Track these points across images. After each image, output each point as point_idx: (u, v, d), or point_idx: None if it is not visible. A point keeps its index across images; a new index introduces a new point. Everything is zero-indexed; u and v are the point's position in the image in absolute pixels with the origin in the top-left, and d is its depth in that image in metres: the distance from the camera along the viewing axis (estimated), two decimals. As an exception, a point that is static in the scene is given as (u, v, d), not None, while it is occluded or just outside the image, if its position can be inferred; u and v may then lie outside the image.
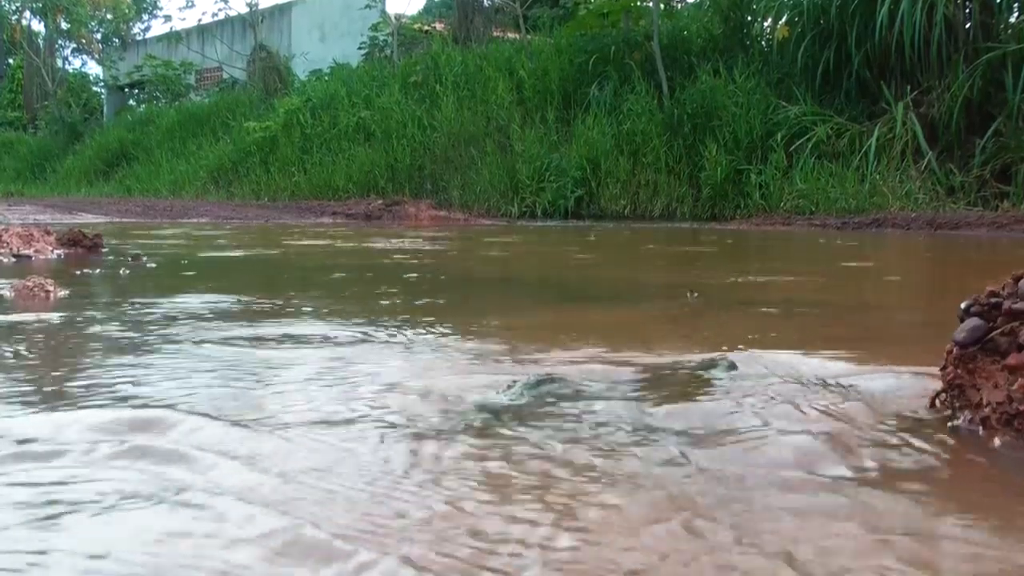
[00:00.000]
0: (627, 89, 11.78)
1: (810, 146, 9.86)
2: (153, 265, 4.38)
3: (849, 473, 1.14)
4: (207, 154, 17.78)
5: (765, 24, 12.32)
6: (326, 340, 2.16)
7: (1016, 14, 10.03)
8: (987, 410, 1.30)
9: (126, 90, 28.47)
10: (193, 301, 2.92)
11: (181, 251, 5.54)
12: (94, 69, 32.57)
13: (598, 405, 1.47)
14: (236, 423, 1.36)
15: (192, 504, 1.01)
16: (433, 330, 2.35)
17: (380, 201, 11.93)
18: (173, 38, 25.33)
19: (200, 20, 24.07)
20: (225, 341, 2.13)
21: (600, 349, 1.99)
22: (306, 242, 6.75)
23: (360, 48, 19.47)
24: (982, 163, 8.96)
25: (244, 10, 22.16)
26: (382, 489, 1.08)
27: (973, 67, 9.16)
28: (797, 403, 1.45)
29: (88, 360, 1.89)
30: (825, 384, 1.59)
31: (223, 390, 1.60)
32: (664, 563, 0.87)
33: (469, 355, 1.97)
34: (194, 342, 2.11)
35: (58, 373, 1.75)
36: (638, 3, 12.56)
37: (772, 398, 1.48)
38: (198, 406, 1.46)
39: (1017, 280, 1.33)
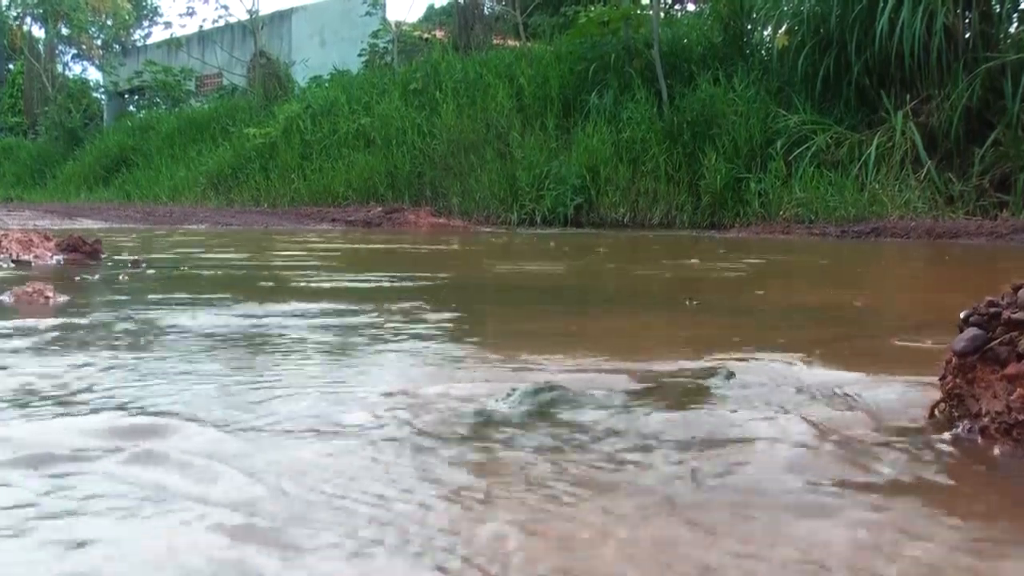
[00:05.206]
0: (627, 97, 11.79)
1: (809, 154, 9.87)
2: (152, 271, 4.38)
3: (849, 482, 1.14)
4: (207, 160, 17.78)
5: (765, 32, 12.35)
6: (323, 347, 2.15)
7: (1016, 24, 10.06)
8: (986, 420, 1.30)
9: (126, 96, 28.51)
10: (192, 307, 2.92)
11: (180, 257, 5.54)
12: (94, 75, 32.68)
13: (597, 413, 1.47)
14: (234, 430, 1.36)
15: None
16: (432, 337, 2.35)
17: (380, 208, 11.94)
18: (173, 44, 25.36)
19: (201, 26, 24.04)
20: (224, 345, 2.13)
21: (599, 357, 1.99)
22: (299, 249, 6.76)
23: (360, 55, 19.49)
24: (981, 172, 8.97)
25: (244, 16, 22.21)
26: (377, 494, 1.07)
27: (972, 76, 9.17)
28: (796, 412, 1.45)
29: (86, 366, 1.89)
30: (824, 393, 1.58)
31: (222, 397, 1.60)
32: (657, 570, 0.87)
33: (468, 362, 1.97)
34: (193, 347, 2.11)
35: (56, 379, 1.74)
36: (638, 11, 12.59)
37: (771, 407, 1.48)
38: (196, 413, 1.46)
39: (1016, 290, 1.33)
